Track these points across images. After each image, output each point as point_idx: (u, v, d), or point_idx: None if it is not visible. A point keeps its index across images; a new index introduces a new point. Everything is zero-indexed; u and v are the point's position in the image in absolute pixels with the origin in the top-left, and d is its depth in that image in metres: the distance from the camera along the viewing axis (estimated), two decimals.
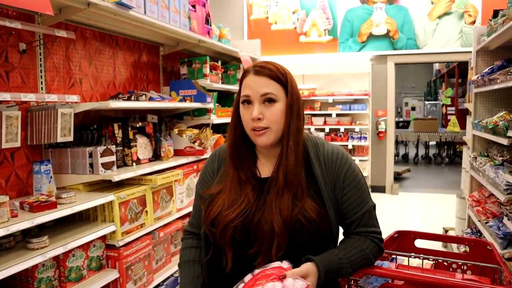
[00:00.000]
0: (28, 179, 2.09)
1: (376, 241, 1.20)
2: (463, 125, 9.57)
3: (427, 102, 14.15)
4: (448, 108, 11.65)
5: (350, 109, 6.66)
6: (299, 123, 1.18)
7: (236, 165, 1.22)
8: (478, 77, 3.39)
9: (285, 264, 1.07)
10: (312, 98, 6.70)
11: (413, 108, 15.50)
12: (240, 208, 1.15)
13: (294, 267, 1.08)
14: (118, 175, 2.11)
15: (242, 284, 1.05)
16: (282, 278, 1.02)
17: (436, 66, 13.89)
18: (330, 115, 6.71)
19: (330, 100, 6.68)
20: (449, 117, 11.07)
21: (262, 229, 1.11)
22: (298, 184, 1.14)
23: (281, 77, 1.17)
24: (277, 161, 1.19)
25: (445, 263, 1.61)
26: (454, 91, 11.32)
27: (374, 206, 1.22)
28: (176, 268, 2.57)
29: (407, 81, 16.04)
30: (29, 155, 2.11)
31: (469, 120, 3.85)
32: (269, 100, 1.15)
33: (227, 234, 1.13)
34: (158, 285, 2.43)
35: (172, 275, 2.59)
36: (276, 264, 1.07)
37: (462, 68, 10.24)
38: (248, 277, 1.08)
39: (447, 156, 10.87)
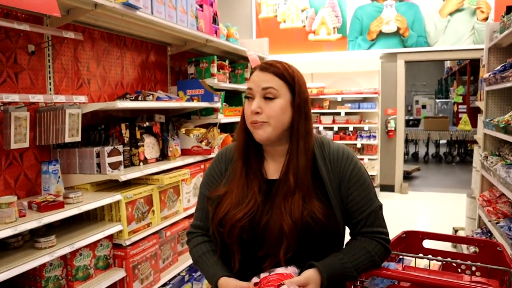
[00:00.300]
0: (36, 179, 2.12)
1: (383, 242, 1.18)
2: (474, 124, 9.43)
3: (438, 100, 13.99)
4: (460, 106, 11.52)
5: (359, 108, 6.61)
6: (308, 124, 1.18)
7: (245, 163, 1.22)
8: (490, 75, 3.34)
9: (289, 269, 1.07)
10: (321, 96, 6.66)
11: (424, 106, 15.32)
12: (248, 207, 1.14)
13: (301, 269, 1.08)
14: (125, 175, 2.12)
15: None
16: (279, 285, 1.02)
17: (448, 64, 13.72)
18: (339, 113, 6.68)
19: (339, 99, 6.64)
20: (460, 115, 10.94)
21: (270, 232, 1.11)
22: (307, 185, 1.14)
23: (287, 76, 1.16)
24: (285, 162, 1.18)
25: (454, 264, 1.59)
26: (465, 89, 11.18)
27: (380, 206, 1.21)
28: (182, 267, 2.58)
29: (418, 79, 15.87)
30: (38, 155, 2.14)
31: (480, 118, 3.79)
32: (269, 96, 1.14)
33: (234, 234, 1.13)
34: (165, 284, 2.44)
35: (179, 274, 2.60)
36: (281, 270, 1.07)
37: (474, 65, 10.10)
38: (254, 279, 1.09)
39: (458, 154, 10.74)
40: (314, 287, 1.05)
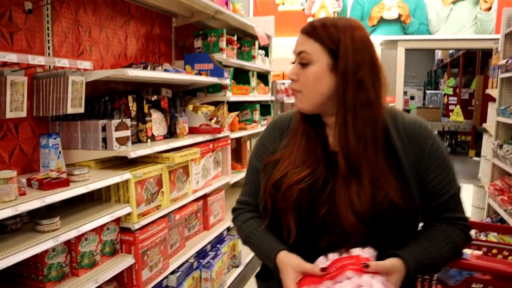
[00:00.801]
0: (33, 154, 1.88)
1: (465, 229, 1.02)
2: (466, 115, 9.48)
3: (428, 91, 14.02)
4: (450, 98, 11.54)
5: None
6: (364, 94, 0.97)
7: (307, 128, 1.05)
8: (507, 61, 3.22)
9: (366, 251, 0.89)
10: None
11: (412, 97, 15.33)
12: (310, 169, 0.98)
13: (378, 255, 0.91)
14: (134, 151, 1.91)
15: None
16: (364, 266, 0.85)
17: (438, 56, 13.71)
18: None
19: None
20: (450, 106, 10.97)
21: (332, 225, 0.95)
22: (367, 167, 0.95)
23: (325, 37, 0.97)
24: (336, 137, 1.00)
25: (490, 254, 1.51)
26: (457, 81, 11.18)
27: (460, 189, 1.04)
28: (190, 253, 2.38)
29: (407, 69, 15.81)
30: (35, 128, 1.90)
31: (492, 106, 3.69)
32: (303, 61, 1.00)
33: (292, 197, 0.96)
34: (174, 271, 2.25)
35: (187, 261, 2.41)
36: (357, 251, 0.89)
37: (467, 57, 10.07)
38: (320, 260, 0.91)
39: (449, 145, 10.78)
40: (398, 278, 0.89)
